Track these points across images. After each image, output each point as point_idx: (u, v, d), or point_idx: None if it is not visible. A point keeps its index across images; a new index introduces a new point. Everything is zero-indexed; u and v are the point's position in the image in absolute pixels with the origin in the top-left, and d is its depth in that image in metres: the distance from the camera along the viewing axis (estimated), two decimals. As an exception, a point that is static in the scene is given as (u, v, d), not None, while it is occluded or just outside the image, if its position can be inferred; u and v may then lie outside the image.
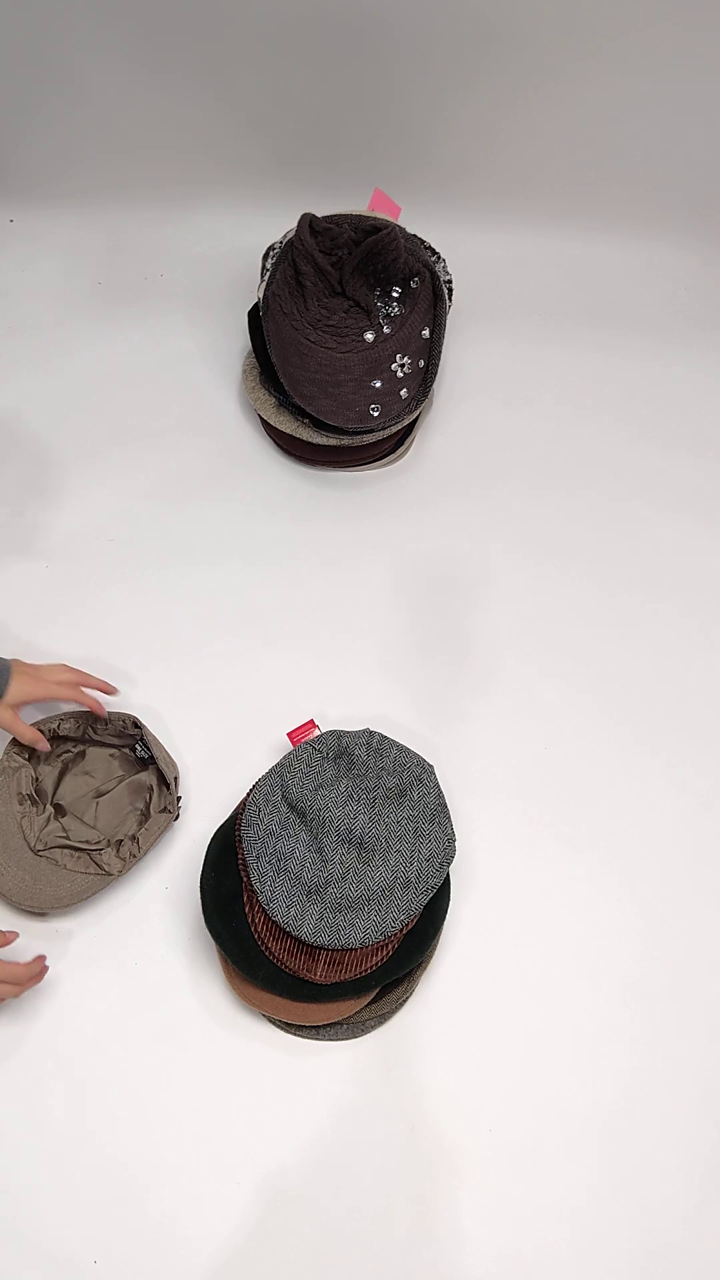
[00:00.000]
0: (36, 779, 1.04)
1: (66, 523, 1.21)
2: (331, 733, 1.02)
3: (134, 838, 0.99)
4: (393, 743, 1.01)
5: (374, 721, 1.09)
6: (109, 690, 1.07)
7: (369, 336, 1.13)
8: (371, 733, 1.01)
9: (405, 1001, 0.97)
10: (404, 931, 0.95)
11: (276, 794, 0.98)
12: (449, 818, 0.99)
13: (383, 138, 1.34)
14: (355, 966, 0.92)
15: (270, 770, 1.01)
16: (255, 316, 1.22)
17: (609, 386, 1.33)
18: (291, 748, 1.05)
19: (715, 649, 1.16)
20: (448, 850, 0.97)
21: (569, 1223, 0.91)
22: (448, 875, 0.99)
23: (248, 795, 1.00)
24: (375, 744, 1.01)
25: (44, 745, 1.02)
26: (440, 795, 1.00)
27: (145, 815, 1.02)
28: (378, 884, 0.93)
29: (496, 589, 1.19)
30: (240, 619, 1.16)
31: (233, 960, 0.93)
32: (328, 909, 0.93)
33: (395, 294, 1.14)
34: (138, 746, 1.05)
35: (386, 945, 0.93)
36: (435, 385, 1.28)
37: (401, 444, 1.27)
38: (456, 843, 1.02)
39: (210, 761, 1.07)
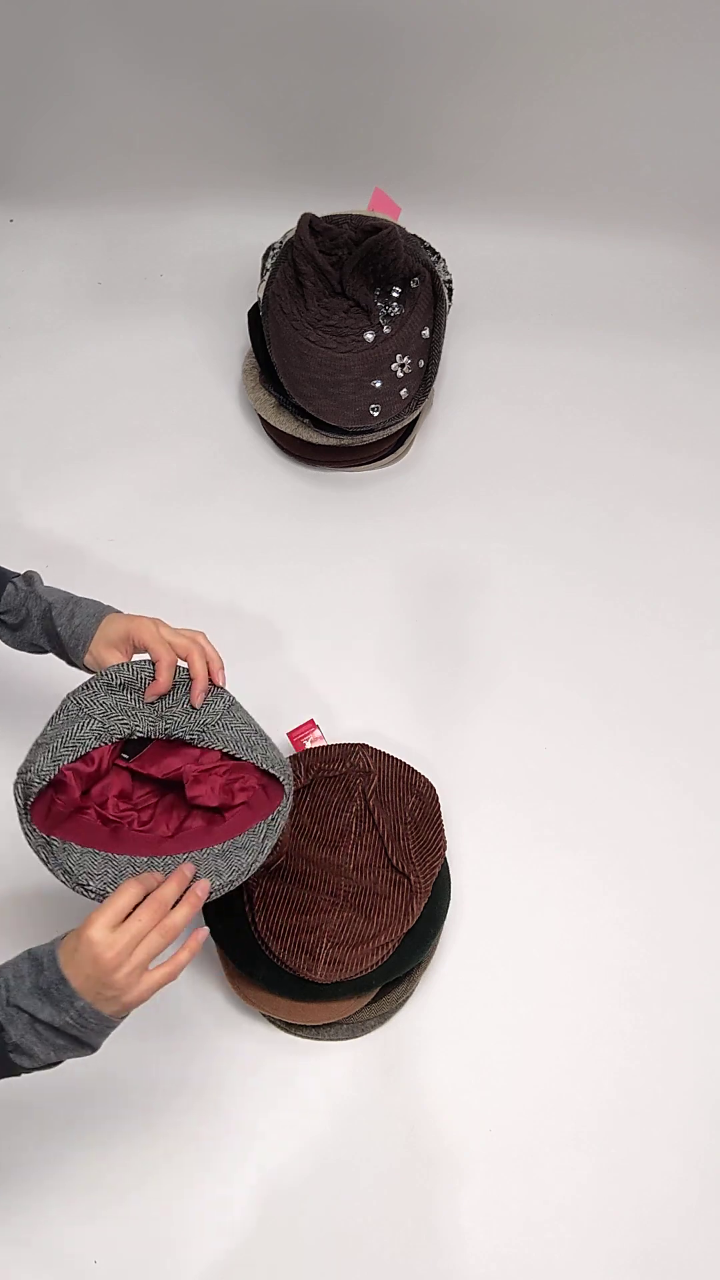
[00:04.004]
0: None
1: (66, 523, 1.21)
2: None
3: None
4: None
5: (373, 722, 1.10)
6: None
7: (369, 336, 1.13)
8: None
9: (405, 1001, 0.98)
10: (403, 930, 0.95)
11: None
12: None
13: (383, 138, 1.34)
14: (355, 966, 0.92)
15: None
16: (255, 316, 1.22)
17: (609, 387, 1.33)
18: (292, 748, 1.05)
19: (715, 651, 1.16)
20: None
21: (569, 1223, 0.91)
22: (448, 876, 0.99)
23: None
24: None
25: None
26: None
27: None
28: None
29: (496, 590, 1.19)
30: (240, 619, 1.16)
31: (233, 960, 0.93)
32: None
33: (395, 294, 1.14)
34: None
35: (387, 945, 0.93)
36: (435, 385, 1.28)
37: (401, 444, 1.27)
38: (456, 844, 1.02)
39: (210, 761, 1.07)
